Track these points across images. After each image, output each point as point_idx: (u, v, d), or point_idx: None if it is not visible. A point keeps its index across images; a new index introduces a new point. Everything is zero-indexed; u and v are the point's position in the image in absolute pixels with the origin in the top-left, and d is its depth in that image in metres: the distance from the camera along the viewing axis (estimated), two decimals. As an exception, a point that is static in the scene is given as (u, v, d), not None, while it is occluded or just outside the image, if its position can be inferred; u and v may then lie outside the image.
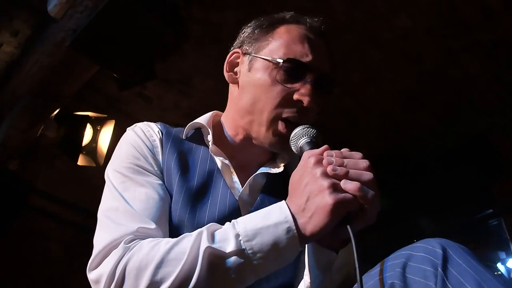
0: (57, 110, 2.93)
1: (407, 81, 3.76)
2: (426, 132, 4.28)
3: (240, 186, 1.07)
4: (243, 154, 1.13)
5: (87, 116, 3.15)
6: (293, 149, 0.96)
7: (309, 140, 0.92)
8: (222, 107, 1.23)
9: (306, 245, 0.87)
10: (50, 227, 4.06)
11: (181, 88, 3.67)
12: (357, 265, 0.70)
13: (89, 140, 3.16)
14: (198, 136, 1.14)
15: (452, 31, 3.20)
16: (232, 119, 1.14)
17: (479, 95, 3.78)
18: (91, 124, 3.18)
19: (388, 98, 3.94)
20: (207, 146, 1.11)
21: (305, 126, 0.95)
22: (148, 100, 3.80)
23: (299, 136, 0.94)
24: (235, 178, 1.08)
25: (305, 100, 1.00)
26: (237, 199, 1.03)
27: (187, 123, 1.16)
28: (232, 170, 1.08)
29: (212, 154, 1.09)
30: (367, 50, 3.47)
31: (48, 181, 3.83)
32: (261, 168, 1.10)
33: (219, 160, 1.09)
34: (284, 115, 1.02)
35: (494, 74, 3.57)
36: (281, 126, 1.02)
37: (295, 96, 1.01)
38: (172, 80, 3.58)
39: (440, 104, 3.94)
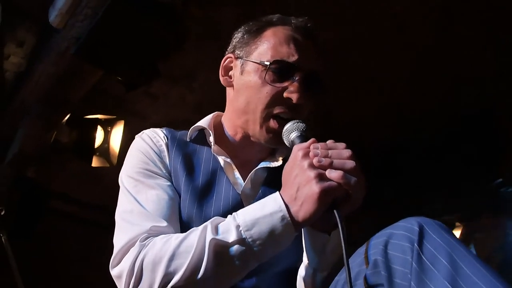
0: (67, 116, 3.03)
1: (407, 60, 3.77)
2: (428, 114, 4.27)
3: (243, 181, 1.15)
4: (244, 152, 1.21)
5: (97, 118, 3.26)
6: (285, 143, 1.04)
7: (299, 134, 1.00)
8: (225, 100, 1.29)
9: (303, 230, 0.96)
10: (70, 227, 4.21)
11: (186, 83, 3.74)
12: (344, 246, 0.78)
13: (101, 142, 3.27)
14: (201, 137, 1.23)
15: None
16: (231, 120, 1.22)
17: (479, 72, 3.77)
18: (102, 126, 3.29)
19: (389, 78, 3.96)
20: (210, 147, 1.19)
21: (295, 121, 1.03)
22: (155, 97, 3.88)
23: (290, 131, 1.02)
24: (237, 174, 1.16)
25: (294, 97, 1.07)
26: (240, 193, 1.12)
27: (194, 117, 1.24)
28: (234, 167, 1.16)
29: (214, 153, 1.17)
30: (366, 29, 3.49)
31: (64, 183, 3.96)
32: (261, 163, 1.18)
33: (221, 159, 1.17)
34: (276, 112, 1.10)
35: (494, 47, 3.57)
36: (273, 123, 1.10)
37: (285, 94, 1.09)
38: (176, 76, 3.65)
39: (440, 85, 3.95)
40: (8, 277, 2.67)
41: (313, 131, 1.04)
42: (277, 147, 1.19)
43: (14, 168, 2.97)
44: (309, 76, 1.11)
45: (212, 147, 1.17)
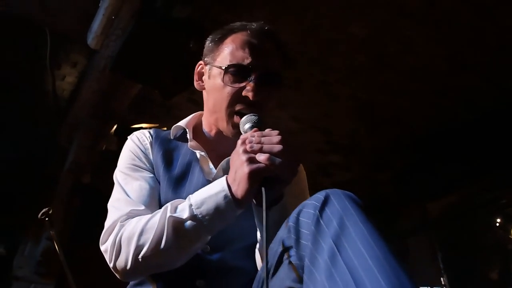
0: (115, 126, 3.35)
1: (444, 45, 3.72)
2: (476, 93, 4.16)
3: (215, 171, 1.31)
4: (219, 146, 1.36)
5: (142, 127, 3.56)
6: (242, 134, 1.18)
7: (251, 125, 1.13)
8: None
9: (253, 207, 1.09)
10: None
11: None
12: (264, 218, 0.90)
13: (146, 148, 3.55)
14: (183, 135, 1.40)
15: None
16: (206, 118, 1.39)
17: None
18: (146, 134, 3.57)
19: (428, 65, 3.92)
20: None
21: (249, 114, 1.16)
22: (197, 103, 4.13)
23: (244, 123, 1.15)
24: (211, 165, 1.32)
25: (250, 95, 1.21)
26: (211, 180, 1.27)
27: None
28: (209, 159, 1.32)
29: (191, 148, 1.34)
30: (397, 21, 3.50)
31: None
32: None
33: (197, 153, 1.33)
34: (237, 109, 1.23)
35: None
36: (236, 118, 1.23)
37: (243, 93, 1.22)
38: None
39: (485, 62, 3.84)
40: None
41: (267, 123, 1.17)
42: None
43: (71, 175, 3.33)
44: (264, 75, 1.23)
45: (189, 142, 1.34)
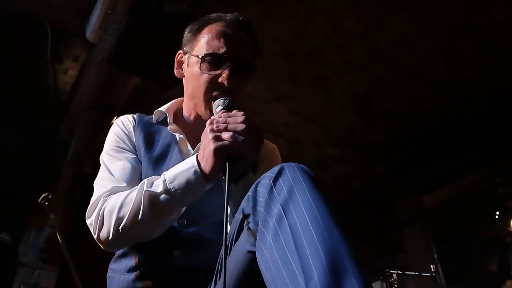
0: (114, 118, 3.45)
1: (439, 40, 3.77)
2: (471, 87, 4.21)
3: (193, 152, 1.40)
4: (197, 129, 1.43)
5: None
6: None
7: (222, 108, 1.23)
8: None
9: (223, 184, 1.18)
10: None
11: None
12: (226, 192, 0.99)
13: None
14: (165, 120, 1.49)
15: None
16: (186, 104, 1.49)
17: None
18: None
19: (423, 60, 3.97)
20: None
21: (222, 98, 1.26)
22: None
23: (216, 106, 1.25)
24: (189, 147, 1.41)
25: (225, 82, 1.30)
26: None
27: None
28: (187, 142, 1.41)
29: (171, 132, 1.44)
30: (392, 16, 3.57)
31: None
32: None
33: (177, 136, 1.43)
34: (214, 95, 1.32)
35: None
36: (213, 103, 1.33)
37: (219, 80, 1.31)
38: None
39: (480, 56, 3.89)
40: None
41: (239, 106, 1.26)
42: None
43: (73, 166, 3.45)
44: (238, 64, 1.32)
45: (169, 126, 1.44)
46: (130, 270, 1.26)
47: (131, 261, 1.27)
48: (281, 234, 0.85)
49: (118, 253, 1.34)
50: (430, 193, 4.74)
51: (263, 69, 3.94)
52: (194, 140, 1.43)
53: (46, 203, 2.29)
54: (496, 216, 4.47)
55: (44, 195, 2.30)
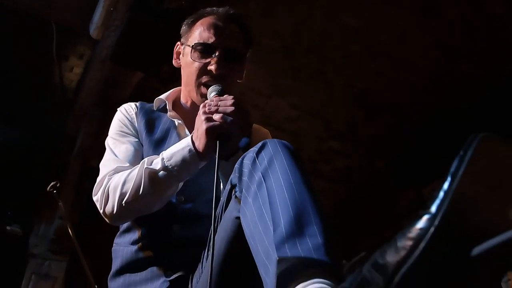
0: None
1: (436, 33, 3.84)
2: (471, 80, 4.26)
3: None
4: (195, 114, 1.54)
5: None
6: None
7: (215, 93, 1.33)
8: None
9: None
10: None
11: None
12: (216, 167, 1.10)
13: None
14: (165, 107, 1.60)
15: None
16: (183, 91, 1.60)
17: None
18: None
19: (421, 54, 4.04)
20: None
21: (215, 85, 1.37)
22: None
23: (210, 92, 1.36)
24: (187, 131, 1.52)
25: (214, 69, 1.41)
26: None
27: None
28: (185, 127, 1.52)
29: (170, 117, 1.54)
30: (389, 10, 3.64)
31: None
32: None
33: (176, 121, 1.54)
34: (204, 81, 1.44)
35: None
36: (203, 89, 1.44)
37: (209, 67, 1.42)
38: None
39: (477, 50, 3.95)
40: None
41: (230, 92, 1.36)
42: None
43: (80, 160, 3.56)
44: (226, 52, 1.43)
45: (169, 112, 1.54)
46: (133, 242, 1.37)
47: (135, 235, 1.38)
48: (260, 196, 0.95)
49: (122, 228, 1.45)
50: (430, 185, 4.80)
51: (264, 65, 4.06)
52: (192, 125, 1.52)
53: (55, 191, 2.41)
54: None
55: (52, 183, 2.42)
